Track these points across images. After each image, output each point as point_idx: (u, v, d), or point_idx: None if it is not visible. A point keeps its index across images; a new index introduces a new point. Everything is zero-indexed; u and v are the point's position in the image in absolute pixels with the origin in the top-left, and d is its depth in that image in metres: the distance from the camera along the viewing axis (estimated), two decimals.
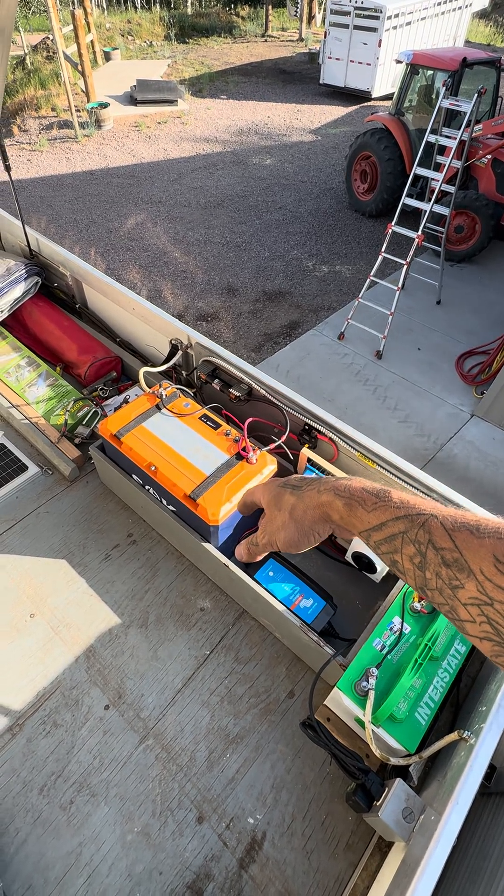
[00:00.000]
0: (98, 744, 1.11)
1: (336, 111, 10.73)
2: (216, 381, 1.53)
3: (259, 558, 0.67)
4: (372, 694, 0.96)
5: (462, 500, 1.17)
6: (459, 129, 4.74)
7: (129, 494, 1.48)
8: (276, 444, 1.37)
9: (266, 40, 15.37)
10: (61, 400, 1.74)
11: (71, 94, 8.74)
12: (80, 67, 9.16)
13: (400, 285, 4.83)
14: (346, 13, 9.72)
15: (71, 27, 9.04)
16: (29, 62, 11.15)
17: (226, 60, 13.41)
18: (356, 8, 9.52)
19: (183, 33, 15.20)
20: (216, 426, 1.37)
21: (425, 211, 4.79)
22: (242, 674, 1.22)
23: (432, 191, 5.39)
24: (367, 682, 0.98)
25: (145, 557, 1.43)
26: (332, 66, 10.84)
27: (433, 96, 6.17)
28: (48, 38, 11.48)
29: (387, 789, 0.90)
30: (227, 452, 1.30)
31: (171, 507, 1.33)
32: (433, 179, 5.05)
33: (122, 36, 14.41)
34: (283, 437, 1.37)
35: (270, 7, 15.69)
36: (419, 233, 4.60)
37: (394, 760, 0.93)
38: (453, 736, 0.90)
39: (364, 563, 1.32)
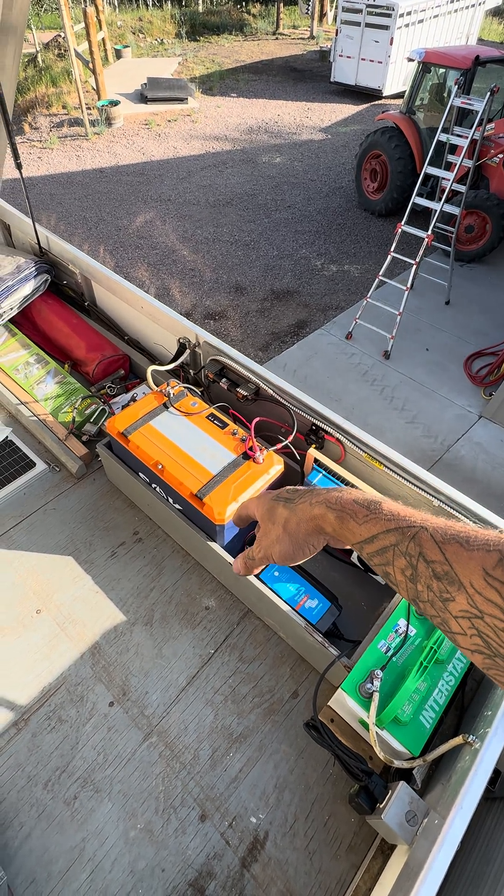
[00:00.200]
0: (102, 740, 1.12)
1: (346, 109, 10.67)
2: (224, 380, 1.53)
3: (256, 572, 0.67)
4: (376, 696, 0.96)
5: (468, 501, 1.16)
6: (471, 127, 4.70)
7: (135, 492, 1.49)
8: (283, 443, 1.37)
9: (277, 38, 15.32)
10: (69, 397, 1.74)
11: (82, 92, 8.77)
12: (91, 65, 9.18)
13: (409, 285, 4.80)
14: (358, 11, 9.65)
15: (82, 25, 9.06)
16: (40, 60, 11.19)
17: (236, 58, 13.38)
18: (368, 5, 9.46)
19: (194, 31, 15.18)
20: (223, 425, 1.37)
21: (435, 210, 4.75)
22: (246, 673, 1.22)
23: (443, 190, 5.35)
24: (372, 683, 0.98)
25: (151, 555, 1.43)
26: (343, 64, 10.78)
27: (445, 95, 6.12)
28: (60, 35, 11.51)
29: (390, 792, 0.90)
30: (234, 452, 1.31)
31: (177, 506, 1.33)
32: (444, 179, 5.01)
33: (134, 34, 14.42)
34: (290, 437, 1.37)
35: (282, 5, 15.63)
36: (429, 232, 4.57)
37: (397, 763, 0.93)
38: (458, 740, 0.90)
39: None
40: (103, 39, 11.21)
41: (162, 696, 1.18)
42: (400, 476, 1.25)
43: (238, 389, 1.48)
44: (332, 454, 1.37)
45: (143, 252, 6.32)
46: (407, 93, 6.39)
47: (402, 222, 4.71)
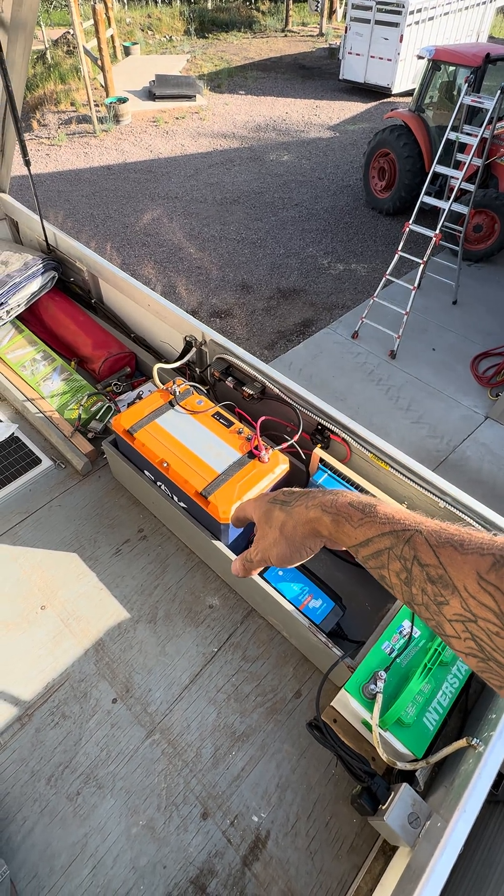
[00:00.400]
0: (105, 737, 1.12)
1: (355, 107, 10.62)
2: (230, 378, 1.52)
3: (255, 573, 0.67)
4: (380, 697, 0.96)
5: (474, 503, 1.15)
6: (481, 125, 4.66)
7: (140, 490, 1.49)
8: (289, 443, 1.36)
9: (286, 35, 15.26)
10: (75, 394, 1.75)
11: (90, 89, 8.77)
12: (99, 62, 9.18)
13: (416, 284, 4.78)
14: (368, 8, 9.59)
15: (91, 22, 9.06)
16: (49, 57, 11.20)
17: (245, 55, 13.34)
18: (378, 3, 9.39)
19: (203, 28, 15.15)
20: (229, 424, 1.37)
21: (444, 209, 4.72)
22: (249, 672, 1.22)
23: (451, 189, 5.32)
24: (376, 685, 0.98)
25: (155, 553, 1.43)
26: (352, 62, 10.72)
27: (455, 93, 6.08)
28: (69, 32, 11.52)
29: (393, 793, 0.90)
30: (240, 451, 1.30)
31: (182, 504, 1.33)
32: (453, 177, 4.98)
33: (142, 31, 14.41)
34: (296, 437, 1.36)
35: (291, 2, 15.56)
36: (437, 231, 4.54)
37: (400, 765, 0.93)
38: (461, 742, 0.89)
39: None
40: (112, 36, 11.20)
41: (165, 694, 1.18)
42: (406, 477, 1.24)
43: (244, 388, 1.47)
44: (337, 454, 1.37)
45: (150, 249, 6.32)
46: (416, 91, 6.34)
47: (410, 221, 4.68)
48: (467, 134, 4.87)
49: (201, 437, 1.34)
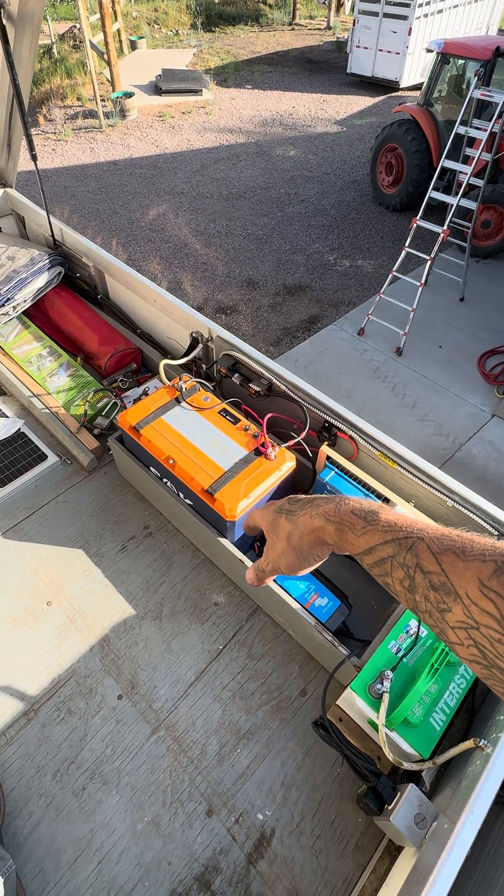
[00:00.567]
0: (111, 733, 1.12)
1: (362, 101, 10.53)
2: (236, 375, 1.52)
3: (268, 581, 0.68)
4: (386, 697, 0.95)
5: (483, 502, 1.14)
6: (490, 120, 4.61)
7: (146, 487, 1.49)
8: (296, 440, 1.35)
9: (293, 29, 15.14)
10: (81, 390, 1.75)
11: (96, 84, 8.74)
12: (106, 56, 9.14)
13: (423, 281, 4.74)
14: (377, 0, 9.49)
15: (98, 16, 9.02)
16: (56, 51, 11.17)
17: (252, 49, 13.24)
18: None
19: (209, 22, 15.04)
20: (235, 421, 1.36)
21: (452, 205, 4.68)
22: (255, 670, 1.22)
23: (460, 184, 5.26)
24: (382, 684, 0.97)
25: (161, 550, 1.43)
26: (359, 55, 10.61)
27: (464, 86, 6.00)
28: (75, 26, 11.47)
29: (399, 794, 0.89)
30: (246, 448, 1.30)
31: (188, 501, 1.32)
32: (461, 172, 4.92)
33: (149, 24, 14.33)
34: (303, 434, 1.36)
35: None
36: (445, 227, 4.50)
37: (406, 765, 0.92)
38: (469, 744, 0.89)
39: None
40: (118, 30, 11.15)
41: (170, 691, 1.18)
42: (413, 475, 1.23)
43: (251, 385, 1.47)
44: (344, 452, 1.36)
45: (156, 245, 6.31)
46: (425, 84, 6.28)
47: (418, 217, 4.64)
48: (476, 128, 4.81)
49: (207, 434, 1.33)
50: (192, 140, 8.84)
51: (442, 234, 4.49)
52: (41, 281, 1.97)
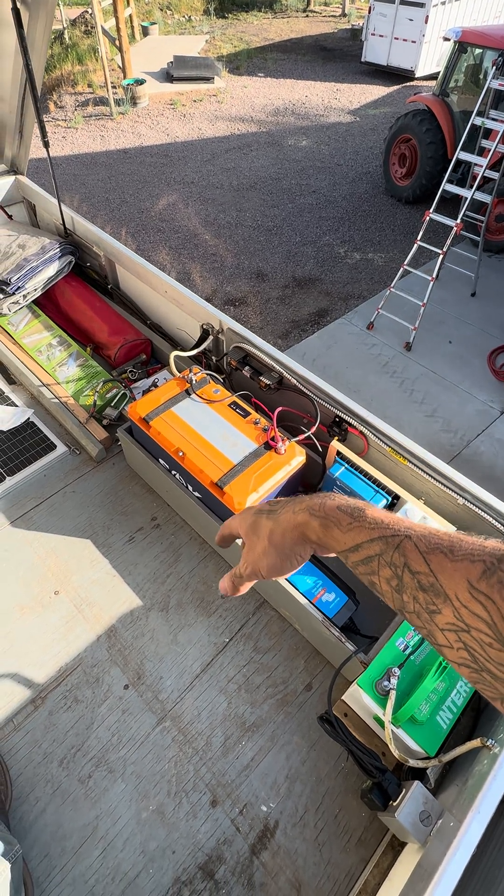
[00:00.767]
0: (117, 722, 1.13)
1: (377, 91, 10.36)
2: (246, 368, 1.51)
3: (244, 590, 0.65)
4: (393, 694, 0.95)
5: (495, 501, 1.13)
6: None
7: (154, 478, 1.48)
8: (306, 434, 1.35)
9: (308, 15, 14.89)
10: (91, 381, 1.74)
11: (108, 70, 8.66)
12: (117, 42, 9.04)
13: (434, 275, 4.68)
14: None
15: (110, 1, 8.91)
16: (67, 37, 11.06)
17: (265, 36, 13.05)
18: None
19: (222, 8, 14.82)
20: (245, 414, 1.36)
21: (466, 198, 4.61)
22: (261, 663, 1.22)
23: (474, 177, 5.18)
24: (389, 681, 0.97)
25: (168, 542, 1.43)
26: (374, 44, 10.43)
27: (481, 76, 5.89)
28: (87, 12, 11.34)
29: (404, 790, 0.89)
30: (256, 441, 1.29)
31: (196, 494, 1.32)
32: (476, 165, 4.85)
33: (161, 10, 14.15)
34: (313, 429, 1.35)
35: None
36: (458, 221, 4.44)
37: (412, 762, 0.92)
38: (475, 743, 0.89)
39: None
40: (130, 16, 11.02)
41: (176, 682, 1.19)
42: (424, 472, 1.22)
43: (261, 378, 1.46)
44: (355, 447, 1.35)
45: (165, 235, 6.27)
46: (441, 74, 6.16)
47: (431, 210, 4.58)
48: (493, 119, 4.72)
49: (217, 426, 1.33)
50: (203, 129, 8.75)
51: (455, 228, 4.42)
52: (52, 270, 1.96)
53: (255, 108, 9.52)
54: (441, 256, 4.63)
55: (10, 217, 2.30)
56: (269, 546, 0.58)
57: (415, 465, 1.24)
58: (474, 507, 1.14)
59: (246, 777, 1.07)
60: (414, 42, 9.82)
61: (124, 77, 9.46)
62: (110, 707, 1.15)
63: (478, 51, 5.79)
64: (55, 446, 1.63)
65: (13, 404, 1.74)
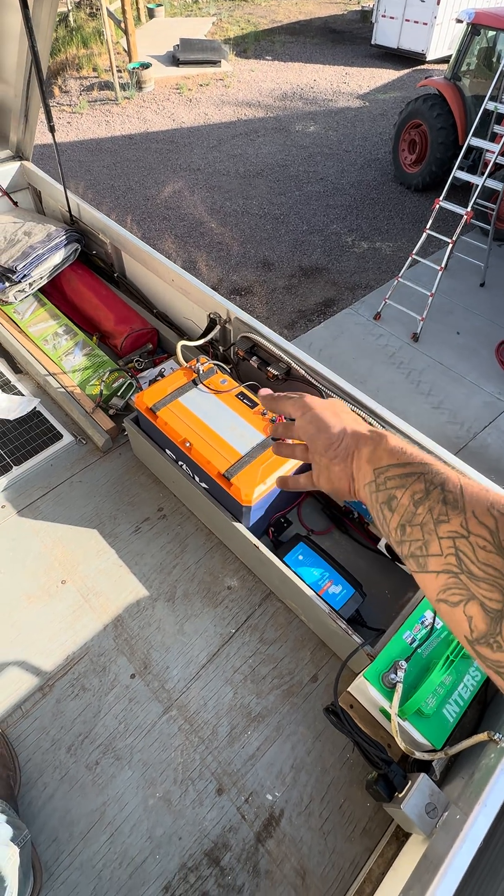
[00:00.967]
0: (123, 710, 1.14)
1: (387, 75, 10.15)
2: (254, 358, 1.49)
3: (288, 439, 0.63)
4: (400, 687, 0.95)
5: (494, 486, 1.12)
6: None
7: (161, 469, 1.48)
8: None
9: None
10: (97, 370, 1.73)
11: (113, 54, 8.52)
12: (123, 25, 8.88)
13: (443, 265, 4.62)
14: None
15: None
16: (72, 19, 10.88)
17: (273, 18, 12.79)
18: None
19: None
20: (253, 405, 1.35)
21: (476, 185, 4.52)
22: (267, 654, 1.23)
23: (486, 164, 5.09)
24: (396, 674, 0.96)
25: (175, 532, 1.43)
26: (385, 26, 10.20)
27: (495, 60, 5.75)
28: None
29: (410, 782, 0.90)
30: (263, 432, 1.28)
31: (203, 485, 1.32)
32: (488, 151, 4.75)
33: None
34: None
35: None
36: (468, 209, 4.36)
37: (418, 754, 0.92)
38: (482, 736, 0.88)
39: (396, 553, 1.29)
40: None
41: (182, 672, 1.19)
42: None
43: (269, 368, 1.44)
44: None
45: (171, 223, 6.21)
46: (453, 57, 6.02)
47: (441, 198, 4.50)
48: None
49: (225, 417, 1.32)
50: (210, 114, 8.62)
51: (465, 216, 4.35)
52: (58, 258, 1.94)
53: (262, 92, 9.35)
54: (450, 245, 4.56)
55: (15, 204, 2.28)
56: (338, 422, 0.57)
57: None
58: None
59: (252, 766, 1.08)
60: (425, 24, 9.60)
61: (130, 61, 9.31)
62: (117, 696, 1.16)
63: (491, 33, 5.65)
64: (62, 436, 1.63)
65: (20, 393, 1.73)
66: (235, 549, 1.38)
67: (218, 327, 1.58)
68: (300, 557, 1.27)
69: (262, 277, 5.47)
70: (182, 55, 9.78)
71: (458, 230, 4.44)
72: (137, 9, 11.30)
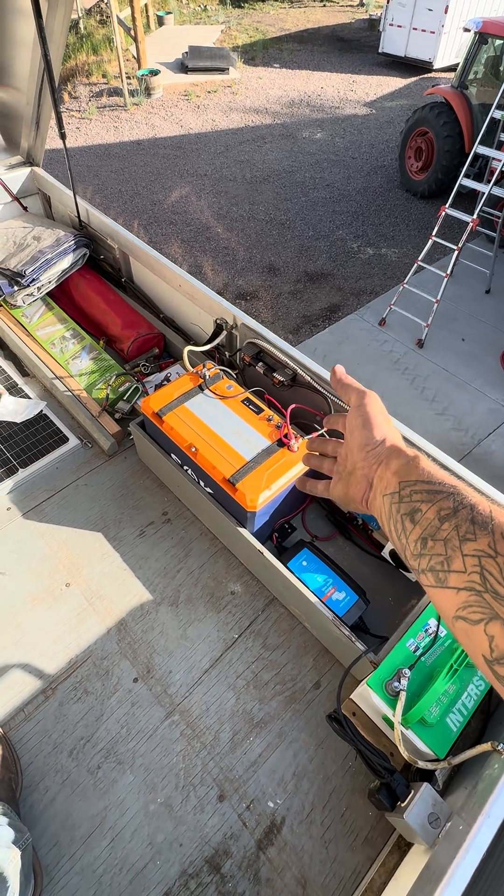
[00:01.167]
0: (126, 714, 1.14)
1: (394, 83, 10.20)
2: (260, 364, 1.50)
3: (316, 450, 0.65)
4: (403, 695, 0.95)
5: (502, 498, 1.12)
6: None
7: (166, 473, 1.49)
8: (319, 432, 1.34)
9: (324, 5, 14.67)
10: (103, 374, 1.75)
11: (122, 60, 8.60)
12: (132, 32, 8.98)
13: (448, 272, 4.62)
14: None
15: None
16: (82, 26, 11.01)
17: (281, 26, 12.89)
18: None
19: None
20: (258, 410, 1.35)
21: (482, 193, 4.53)
22: (269, 660, 1.22)
23: (492, 171, 5.09)
24: (399, 682, 0.96)
25: (179, 537, 1.44)
26: (392, 34, 10.25)
27: (501, 68, 5.77)
28: (102, 1, 11.27)
29: (413, 792, 0.89)
30: (269, 438, 1.29)
31: (208, 490, 1.32)
32: (494, 159, 4.76)
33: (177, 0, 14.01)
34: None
35: None
36: (474, 216, 4.37)
37: (421, 764, 0.92)
38: (486, 746, 0.88)
39: (401, 561, 1.29)
40: (146, 5, 10.94)
41: (185, 677, 1.19)
42: None
43: (275, 374, 1.45)
44: None
45: (178, 228, 6.25)
46: (460, 66, 6.05)
47: (447, 205, 4.51)
48: None
49: (230, 422, 1.32)
50: (218, 120, 8.68)
51: (471, 224, 4.36)
52: (66, 262, 1.96)
53: (269, 99, 9.42)
54: (456, 252, 4.57)
55: (25, 209, 2.30)
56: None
57: None
58: None
59: (253, 773, 1.08)
60: (433, 33, 9.64)
61: (139, 67, 9.40)
62: (120, 700, 1.16)
63: (498, 42, 5.67)
64: (67, 439, 1.64)
65: (27, 396, 1.75)
66: (239, 554, 1.38)
67: (224, 333, 1.59)
68: (304, 563, 1.27)
69: (267, 282, 5.49)
70: (191, 62, 9.87)
71: (464, 237, 4.45)
72: (147, 16, 11.43)
